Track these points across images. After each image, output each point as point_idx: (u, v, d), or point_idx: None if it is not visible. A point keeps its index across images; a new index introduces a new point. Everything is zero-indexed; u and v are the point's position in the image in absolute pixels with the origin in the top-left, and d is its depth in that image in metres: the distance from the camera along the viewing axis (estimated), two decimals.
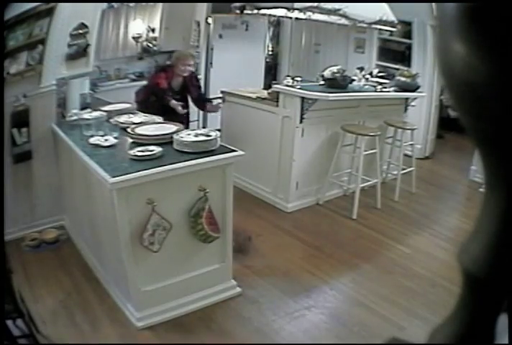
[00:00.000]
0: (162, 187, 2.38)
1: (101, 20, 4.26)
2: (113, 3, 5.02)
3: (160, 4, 5.40)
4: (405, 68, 5.16)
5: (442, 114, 5.75)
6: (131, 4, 5.20)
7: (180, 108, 3.93)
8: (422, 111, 5.48)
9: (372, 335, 2.48)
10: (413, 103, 4.83)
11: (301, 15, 4.21)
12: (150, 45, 5.47)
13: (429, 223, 3.92)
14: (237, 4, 4.39)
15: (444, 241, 3.54)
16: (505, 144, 0.37)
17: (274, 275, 3.05)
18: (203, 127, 5.59)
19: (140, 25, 5.38)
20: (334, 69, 4.18)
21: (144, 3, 5.32)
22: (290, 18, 4.75)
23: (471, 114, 0.38)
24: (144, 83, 4.33)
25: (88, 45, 3.51)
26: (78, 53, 3.46)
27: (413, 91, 4.61)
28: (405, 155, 4.52)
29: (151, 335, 2.46)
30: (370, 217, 3.99)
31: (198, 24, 5.67)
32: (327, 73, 4.17)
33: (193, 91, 4.14)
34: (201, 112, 5.95)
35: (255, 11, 4.41)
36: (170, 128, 2.82)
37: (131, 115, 3.20)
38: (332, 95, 3.85)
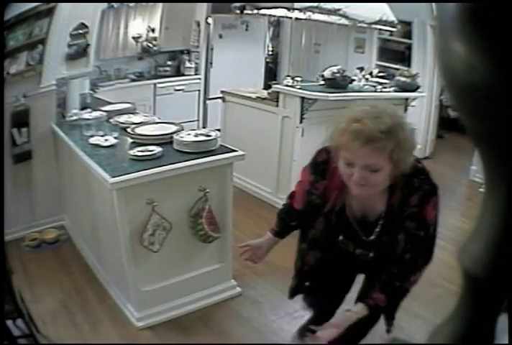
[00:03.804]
0: (162, 187, 2.38)
1: (101, 20, 4.27)
2: (113, 3, 5.01)
3: (160, 4, 5.40)
4: (405, 68, 5.14)
5: (442, 114, 5.74)
6: (131, 4, 5.20)
7: None
8: (422, 111, 5.46)
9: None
10: (413, 103, 4.82)
11: (301, 15, 4.21)
12: (150, 45, 5.46)
13: None
14: (237, 4, 4.39)
15: (444, 241, 3.51)
16: (505, 144, 0.37)
17: (274, 275, 3.05)
18: (203, 127, 5.59)
19: (140, 25, 5.38)
20: (334, 69, 4.18)
21: (144, 3, 5.32)
22: (290, 18, 4.74)
23: (471, 114, 0.38)
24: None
25: (88, 45, 3.51)
26: (78, 53, 3.46)
27: (413, 91, 4.61)
28: None
29: (151, 335, 2.46)
30: None
31: (198, 24, 5.67)
32: (327, 73, 4.17)
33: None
34: (201, 112, 5.97)
35: (255, 11, 4.41)
36: (170, 128, 2.82)
37: (131, 115, 3.20)
38: (332, 95, 3.84)
